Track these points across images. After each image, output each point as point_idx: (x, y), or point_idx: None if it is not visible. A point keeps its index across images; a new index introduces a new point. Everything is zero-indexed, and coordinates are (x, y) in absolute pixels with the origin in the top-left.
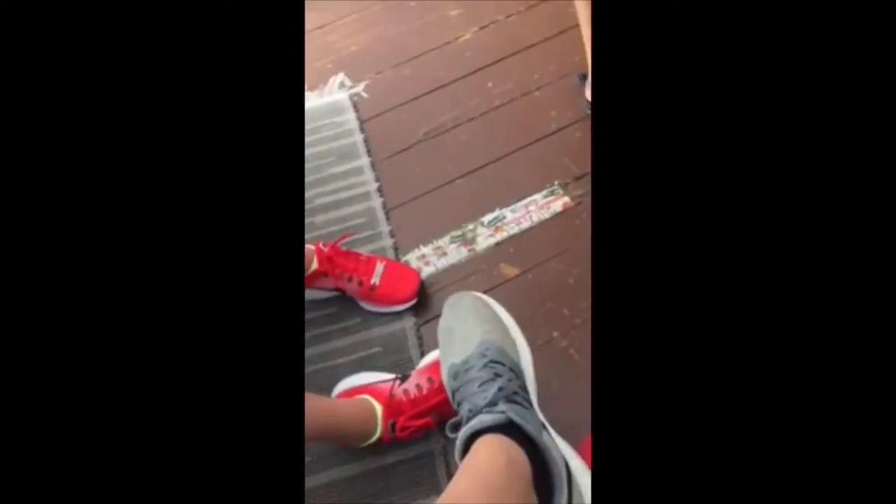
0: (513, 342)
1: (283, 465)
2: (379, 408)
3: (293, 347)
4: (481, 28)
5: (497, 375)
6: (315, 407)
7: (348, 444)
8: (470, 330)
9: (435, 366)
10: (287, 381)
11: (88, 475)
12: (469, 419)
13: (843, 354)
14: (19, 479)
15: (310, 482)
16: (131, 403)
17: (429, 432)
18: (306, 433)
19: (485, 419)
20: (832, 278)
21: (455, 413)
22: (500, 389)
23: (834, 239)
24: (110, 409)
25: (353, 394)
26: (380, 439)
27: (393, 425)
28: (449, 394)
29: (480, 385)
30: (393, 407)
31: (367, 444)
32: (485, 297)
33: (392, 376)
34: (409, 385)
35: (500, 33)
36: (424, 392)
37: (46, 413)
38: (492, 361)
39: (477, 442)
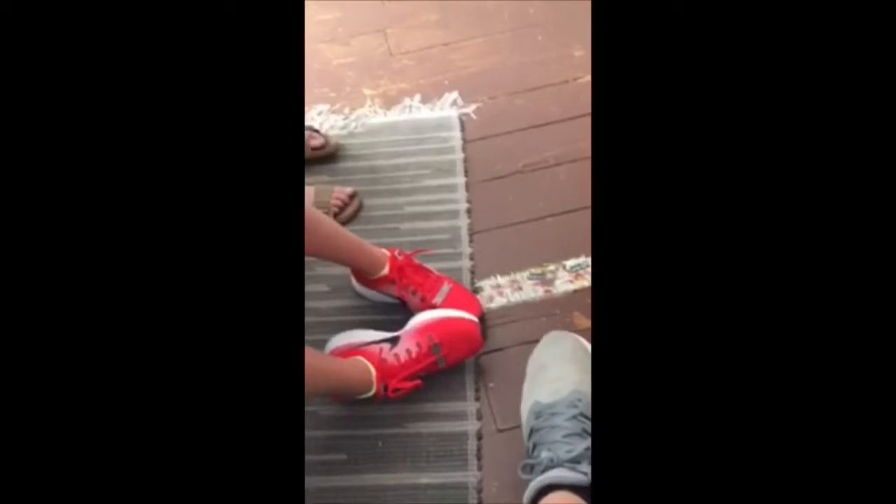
0: None
1: (283, 446)
2: (373, 371)
3: (293, 345)
4: None
5: (587, 433)
6: (316, 365)
7: (343, 399)
8: (564, 373)
9: (422, 330)
10: (287, 370)
11: (87, 453)
12: (547, 468)
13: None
14: (19, 479)
15: (342, 481)
16: (125, 373)
17: (467, 462)
18: (308, 389)
19: (566, 476)
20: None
21: None
22: (587, 449)
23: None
24: (106, 384)
25: (347, 354)
26: (373, 397)
27: (385, 387)
28: (525, 429)
29: (566, 436)
30: (385, 370)
31: (360, 398)
32: (587, 343)
33: (383, 336)
34: (400, 349)
35: None
36: (414, 356)
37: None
38: (582, 415)
39: (553, 495)
